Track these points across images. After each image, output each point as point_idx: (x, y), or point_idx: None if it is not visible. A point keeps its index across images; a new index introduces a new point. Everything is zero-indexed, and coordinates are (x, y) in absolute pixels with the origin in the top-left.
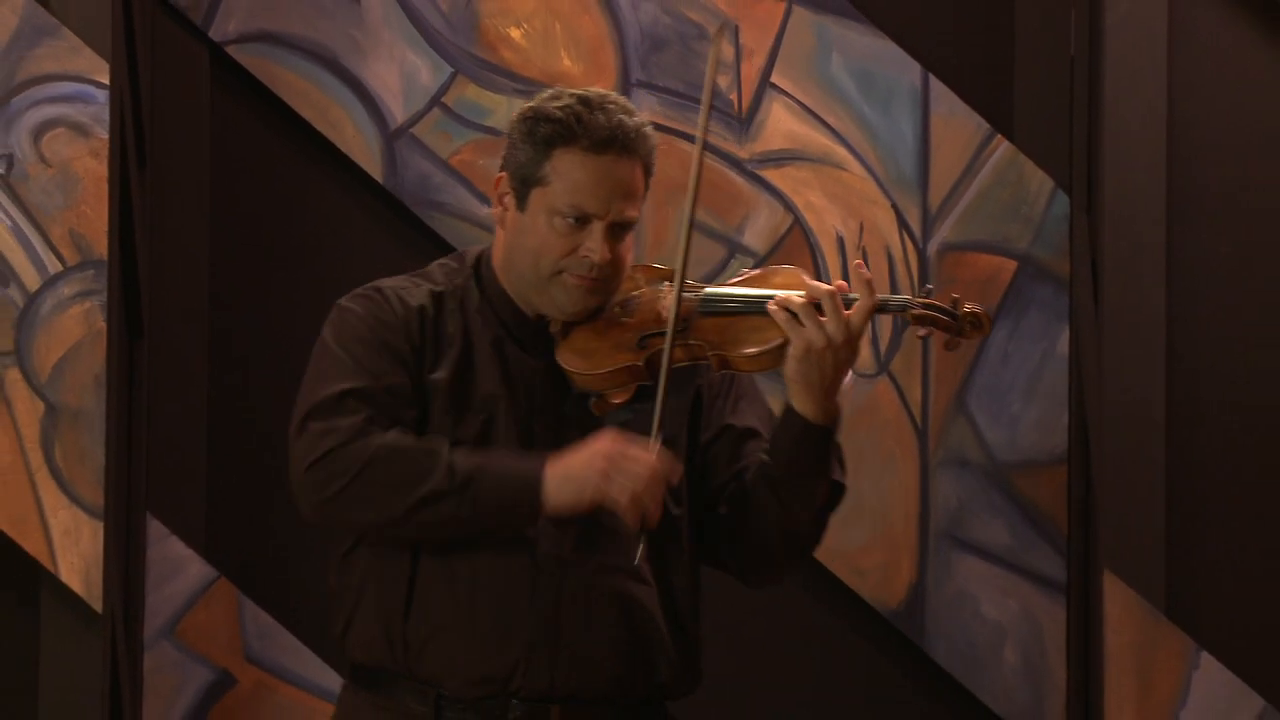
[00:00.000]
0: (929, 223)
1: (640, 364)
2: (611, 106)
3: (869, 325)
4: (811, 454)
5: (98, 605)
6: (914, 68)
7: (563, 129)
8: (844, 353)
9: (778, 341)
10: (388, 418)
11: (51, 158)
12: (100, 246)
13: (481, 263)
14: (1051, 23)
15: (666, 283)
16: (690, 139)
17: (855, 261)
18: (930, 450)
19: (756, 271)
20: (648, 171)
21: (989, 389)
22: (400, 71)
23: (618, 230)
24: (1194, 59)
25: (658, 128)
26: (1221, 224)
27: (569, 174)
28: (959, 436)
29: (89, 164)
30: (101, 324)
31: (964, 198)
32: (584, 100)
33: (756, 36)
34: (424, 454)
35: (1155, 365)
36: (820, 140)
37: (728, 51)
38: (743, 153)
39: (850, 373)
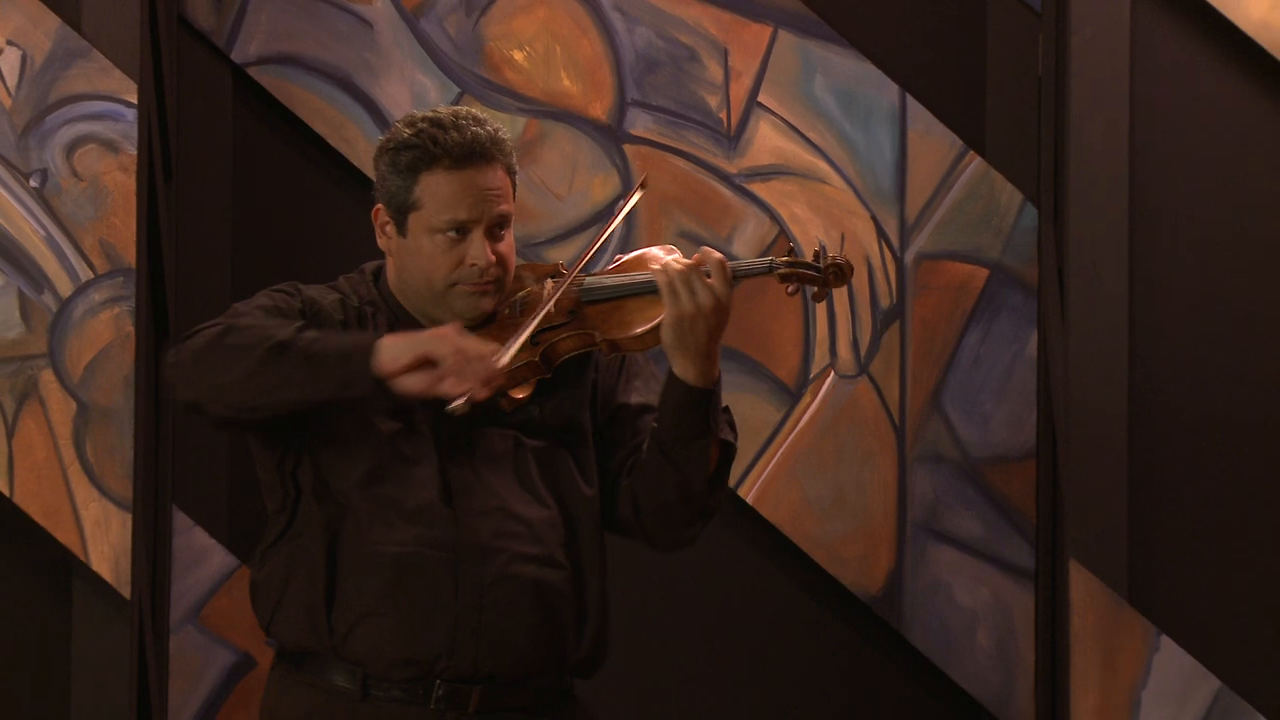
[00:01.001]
0: (906, 233)
1: (537, 359)
2: (464, 122)
3: (730, 293)
4: (696, 416)
5: (126, 592)
6: (892, 88)
7: (422, 153)
8: (714, 319)
9: (660, 318)
10: None
11: (83, 172)
12: (129, 255)
13: (380, 279)
14: (1020, 46)
15: (550, 279)
16: (681, 155)
17: (704, 247)
18: (907, 447)
19: (627, 257)
20: (510, 171)
21: (962, 389)
22: (410, 91)
23: (495, 231)
24: (1154, 80)
25: (650, 144)
26: (1180, 234)
27: (438, 193)
28: (934, 434)
29: (118, 178)
30: (130, 328)
31: (939, 210)
32: (436, 122)
33: (744, 59)
34: (277, 323)
35: (1118, 367)
36: (804, 156)
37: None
38: (731, 167)
39: (832, 373)
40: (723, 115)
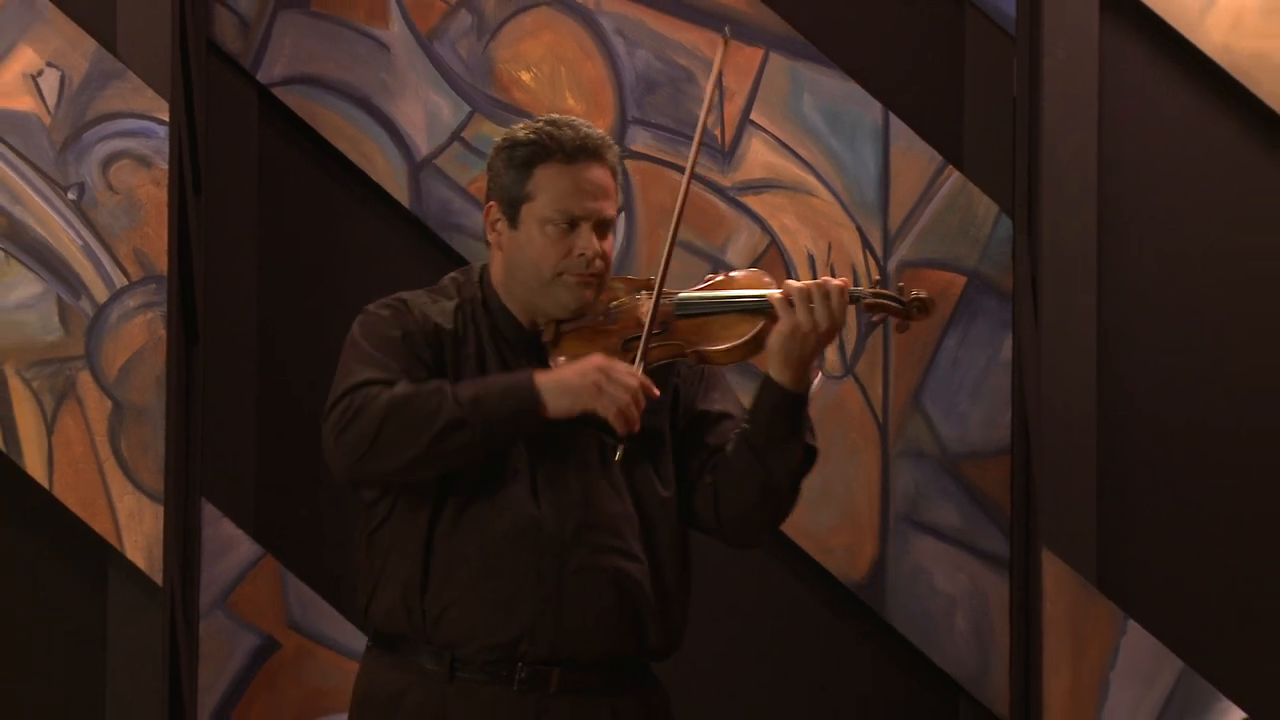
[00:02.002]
0: (889, 243)
1: (629, 360)
2: (577, 123)
3: (845, 316)
4: (787, 418)
5: (158, 579)
6: (876, 106)
7: (538, 148)
8: (829, 336)
9: (748, 336)
10: None
11: (118, 185)
12: (161, 263)
13: (484, 279)
14: (996, 67)
15: (643, 291)
16: (678, 169)
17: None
18: (890, 443)
19: (720, 276)
20: (615, 175)
21: (941, 389)
22: (425, 110)
23: (601, 228)
24: (1121, 99)
25: (650, 160)
26: (1145, 245)
27: (552, 185)
28: (915, 431)
29: (151, 191)
30: (162, 331)
31: (919, 221)
32: (550, 121)
33: (738, 79)
34: (431, 393)
35: (1087, 369)
36: (793, 170)
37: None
38: (725, 181)
39: (819, 373)
40: (717, 132)
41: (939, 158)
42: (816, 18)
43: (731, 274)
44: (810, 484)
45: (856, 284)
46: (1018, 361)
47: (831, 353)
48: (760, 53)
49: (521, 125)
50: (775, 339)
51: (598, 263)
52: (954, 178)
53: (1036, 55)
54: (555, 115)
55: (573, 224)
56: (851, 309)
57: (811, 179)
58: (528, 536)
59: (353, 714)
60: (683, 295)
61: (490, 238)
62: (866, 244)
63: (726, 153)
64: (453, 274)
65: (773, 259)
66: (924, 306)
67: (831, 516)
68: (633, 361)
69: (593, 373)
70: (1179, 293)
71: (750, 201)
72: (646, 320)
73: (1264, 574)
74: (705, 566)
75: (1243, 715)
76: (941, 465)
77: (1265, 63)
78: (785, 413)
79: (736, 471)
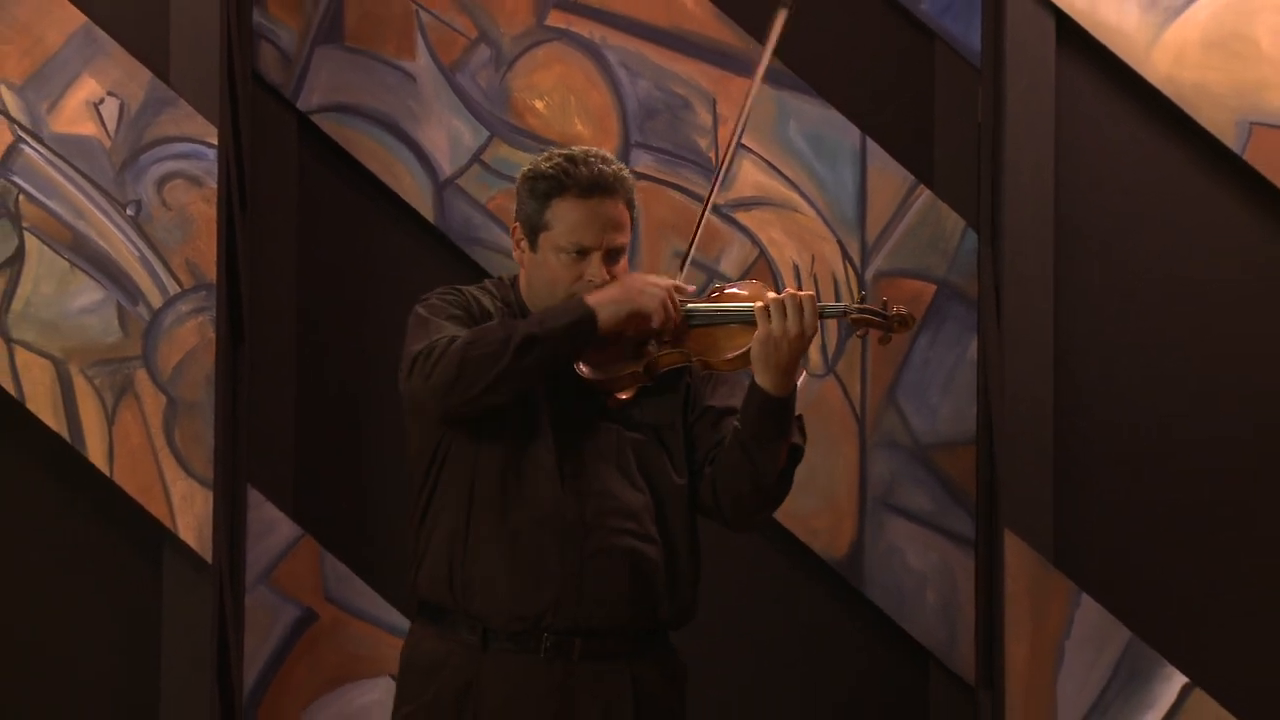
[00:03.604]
0: (866, 254)
1: (640, 370)
2: (593, 160)
3: (819, 328)
4: (773, 420)
5: (208, 557)
6: (854, 131)
7: (555, 183)
8: (798, 343)
9: (749, 346)
10: None
11: (171, 203)
12: (210, 273)
13: (515, 287)
14: (963, 96)
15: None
16: (676, 188)
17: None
18: (867, 434)
19: (726, 289)
20: (630, 205)
21: (914, 386)
22: (447, 134)
23: (612, 256)
24: (1076, 125)
25: (650, 180)
26: (1097, 255)
27: (566, 217)
28: (890, 424)
29: (201, 208)
30: (211, 334)
31: (894, 234)
32: (569, 158)
33: (730, 107)
34: (499, 326)
35: (1045, 367)
36: (780, 189)
37: (779, 25)
38: (719, 199)
39: (804, 372)
40: (711, 155)
41: (911, 177)
42: (801, 51)
43: (735, 286)
44: (796, 471)
45: (839, 298)
46: (982, 361)
47: (814, 353)
48: (750, 83)
49: (545, 156)
50: (755, 347)
51: None
52: (925, 195)
53: (999, 85)
54: (576, 150)
55: (584, 253)
56: (835, 321)
57: (796, 197)
58: (552, 521)
59: (400, 678)
60: (691, 306)
61: (515, 255)
62: (846, 255)
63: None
64: (491, 280)
65: (761, 270)
66: (905, 321)
67: (815, 501)
68: (643, 369)
69: (631, 280)
70: (1127, 299)
71: (741, 217)
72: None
73: (1203, 552)
74: (705, 546)
75: (1184, 679)
76: (914, 454)
77: (1205, 92)
78: (770, 415)
79: (729, 465)
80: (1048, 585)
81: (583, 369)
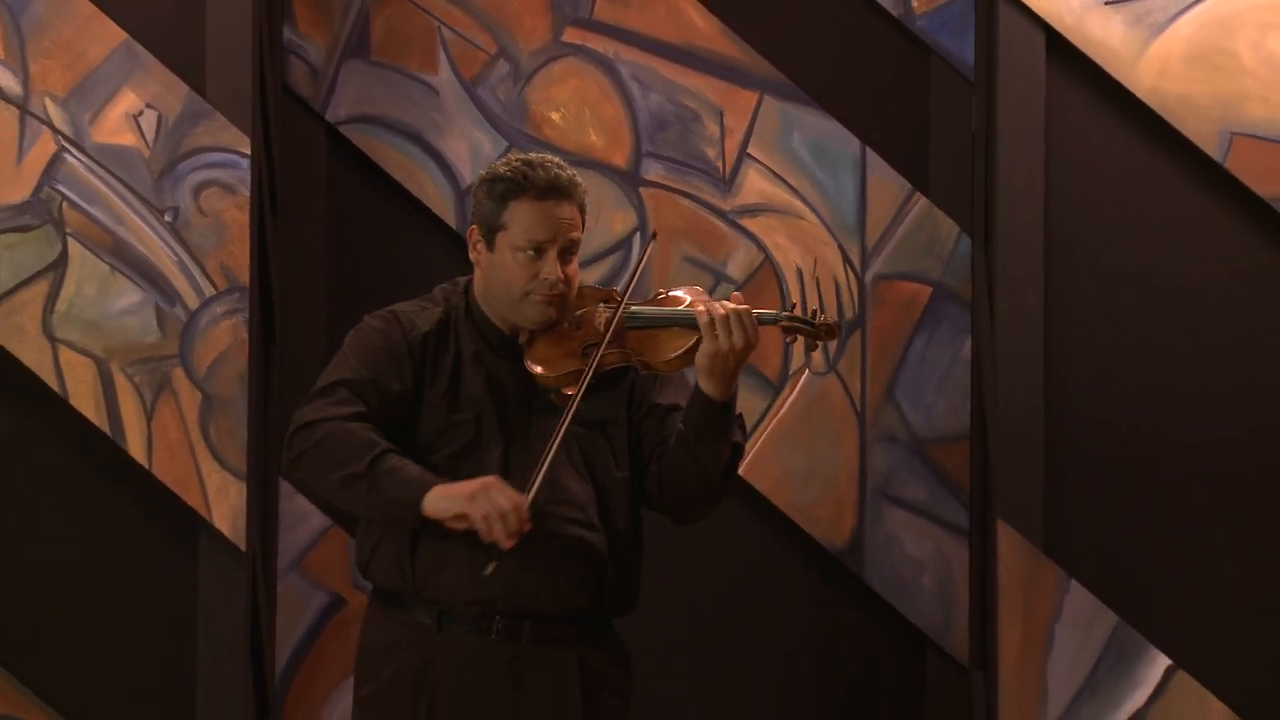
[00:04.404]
0: (866, 258)
1: (585, 367)
2: (549, 164)
3: (758, 337)
4: (716, 422)
5: (242, 545)
6: (854, 142)
7: (513, 185)
8: (744, 354)
9: (686, 347)
10: (374, 411)
11: (207, 209)
12: (243, 276)
13: (468, 290)
14: (957, 108)
15: (603, 302)
16: (685, 195)
17: (734, 294)
18: (867, 429)
19: (666, 294)
20: (582, 209)
21: (911, 383)
22: (468, 145)
23: (566, 254)
24: (1065, 135)
25: (661, 187)
26: (1086, 259)
27: (523, 218)
28: (889, 419)
29: (235, 214)
30: (244, 334)
31: (892, 239)
32: (527, 162)
33: (737, 119)
34: (363, 445)
35: (1036, 365)
36: (784, 197)
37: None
38: (726, 205)
39: (807, 370)
40: (719, 164)
41: (908, 185)
42: (804, 66)
43: (675, 291)
44: (799, 464)
45: (840, 299)
46: (976, 360)
47: (817, 353)
48: (756, 96)
49: (503, 161)
50: (701, 359)
51: (560, 286)
52: (921, 203)
53: (992, 98)
54: (532, 155)
55: (540, 251)
56: (774, 329)
57: (799, 203)
58: None
59: (359, 659)
60: (634, 309)
61: (472, 256)
62: (847, 260)
63: (727, 181)
64: (443, 285)
65: (767, 273)
66: (831, 331)
67: (817, 492)
68: (587, 367)
69: (475, 486)
70: (1115, 301)
71: (747, 223)
72: (605, 331)
73: (1186, 540)
74: (714, 537)
75: (1168, 661)
76: (911, 449)
77: (1188, 104)
78: (713, 418)
79: (675, 464)
80: (1038, 572)
81: (530, 366)
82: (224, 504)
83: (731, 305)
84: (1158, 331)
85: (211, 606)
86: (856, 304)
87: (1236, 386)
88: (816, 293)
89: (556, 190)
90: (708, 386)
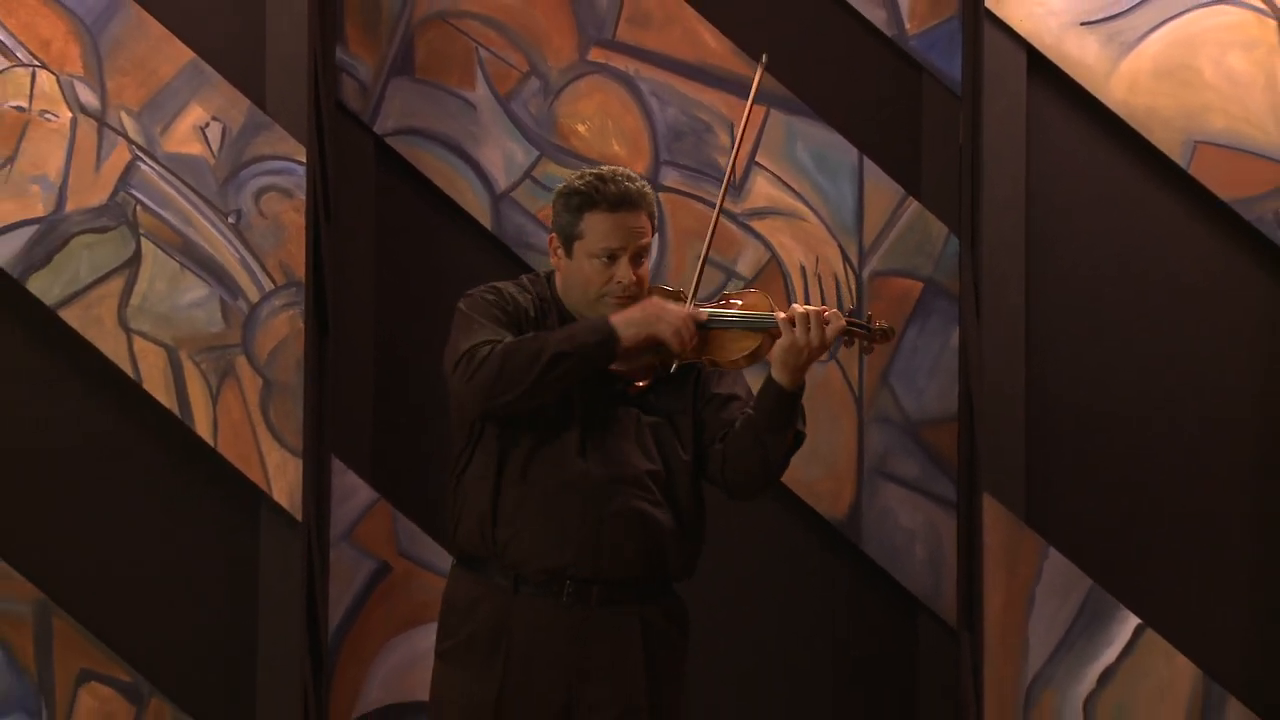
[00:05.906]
0: (863, 256)
1: (657, 362)
2: (620, 177)
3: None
4: (784, 411)
5: (298, 516)
6: (853, 151)
7: (587, 198)
8: (818, 351)
9: (750, 350)
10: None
11: (267, 212)
12: (300, 272)
13: (551, 285)
14: (946, 120)
15: (674, 302)
16: (699, 200)
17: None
18: (864, 412)
19: (735, 298)
20: (651, 216)
21: (904, 370)
22: (502, 154)
23: (637, 258)
24: (1045, 144)
25: (677, 193)
26: (1064, 257)
27: (597, 228)
28: (884, 403)
29: (292, 217)
30: (301, 325)
31: (887, 240)
32: (599, 176)
33: (746, 131)
34: (531, 339)
35: (1018, 353)
36: (788, 200)
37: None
38: (736, 209)
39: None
40: (729, 171)
41: (902, 190)
42: (807, 82)
43: (739, 295)
44: (803, 445)
45: (840, 297)
46: (964, 349)
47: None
48: (763, 109)
49: (579, 174)
50: (778, 350)
51: (632, 288)
52: (913, 206)
53: (978, 110)
54: (605, 169)
55: (613, 257)
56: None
57: (803, 207)
58: (576, 485)
59: (441, 617)
60: (711, 309)
61: (552, 260)
62: (845, 258)
63: (737, 187)
64: (527, 275)
65: (773, 270)
66: (886, 335)
67: (819, 469)
68: (660, 363)
69: (652, 307)
70: (1090, 294)
71: (755, 225)
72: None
73: (1154, 511)
74: (724, 509)
75: (1137, 620)
76: (904, 429)
77: (1156, 115)
78: (783, 406)
79: (741, 447)
80: (1020, 541)
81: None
82: (282, 479)
83: (813, 307)
84: (1128, 322)
85: (271, 572)
86: (855, 298)
87: (1199, 372)
88: (819, 288)
89: (627, 202)
90: (780, 377)
